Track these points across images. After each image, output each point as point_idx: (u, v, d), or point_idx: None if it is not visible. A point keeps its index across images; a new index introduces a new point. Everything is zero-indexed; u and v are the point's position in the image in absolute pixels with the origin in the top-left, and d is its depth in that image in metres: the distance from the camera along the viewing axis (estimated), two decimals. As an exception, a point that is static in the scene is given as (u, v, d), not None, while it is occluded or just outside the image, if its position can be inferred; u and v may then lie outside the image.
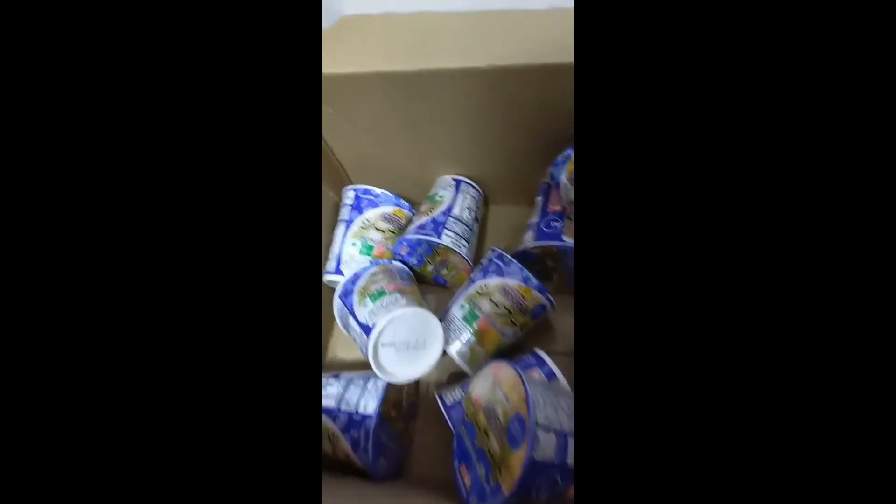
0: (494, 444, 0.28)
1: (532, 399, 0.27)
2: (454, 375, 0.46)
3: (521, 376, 0.28)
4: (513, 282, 0.40)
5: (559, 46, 0.35)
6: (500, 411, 0.29)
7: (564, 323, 0.47)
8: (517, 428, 0.27)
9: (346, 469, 0.39)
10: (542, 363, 0.39)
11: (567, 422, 0.28)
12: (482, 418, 0.31)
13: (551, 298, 0.41)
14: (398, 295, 0.38)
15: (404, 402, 0.43)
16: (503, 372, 0.31)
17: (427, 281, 0.51)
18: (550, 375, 0.38)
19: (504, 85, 0.36)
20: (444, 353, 0.40)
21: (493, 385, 0.31)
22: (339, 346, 0.51)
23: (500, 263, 0.42)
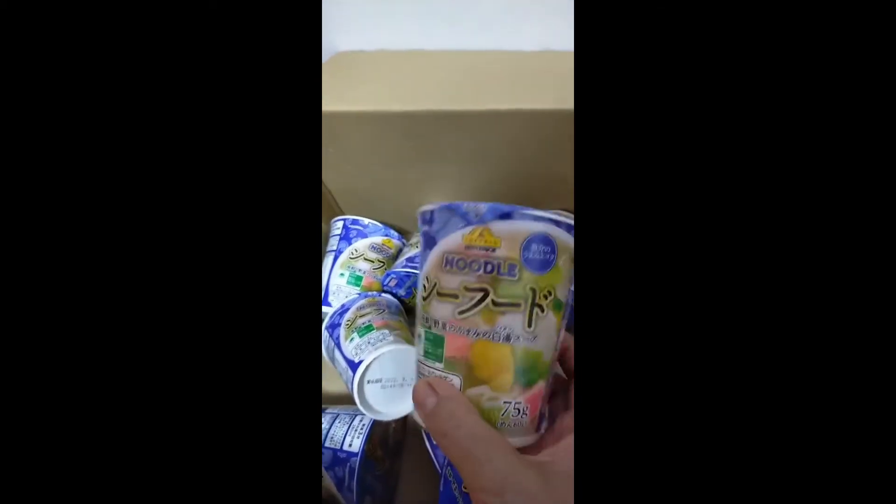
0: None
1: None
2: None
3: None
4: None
5: (554, 90, 0.36)
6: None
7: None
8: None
9: (328, 509, 0.38)
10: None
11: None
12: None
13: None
14: (386, 331, 0.37)
15: (390, 439, 0.42)
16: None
17: (416, 312, 0.51)
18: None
19: (500, 127, 0.37)
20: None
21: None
22: (326, 378, 0.50)
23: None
